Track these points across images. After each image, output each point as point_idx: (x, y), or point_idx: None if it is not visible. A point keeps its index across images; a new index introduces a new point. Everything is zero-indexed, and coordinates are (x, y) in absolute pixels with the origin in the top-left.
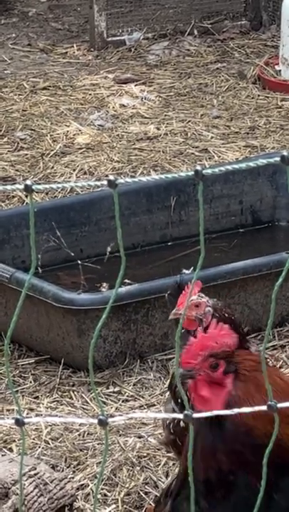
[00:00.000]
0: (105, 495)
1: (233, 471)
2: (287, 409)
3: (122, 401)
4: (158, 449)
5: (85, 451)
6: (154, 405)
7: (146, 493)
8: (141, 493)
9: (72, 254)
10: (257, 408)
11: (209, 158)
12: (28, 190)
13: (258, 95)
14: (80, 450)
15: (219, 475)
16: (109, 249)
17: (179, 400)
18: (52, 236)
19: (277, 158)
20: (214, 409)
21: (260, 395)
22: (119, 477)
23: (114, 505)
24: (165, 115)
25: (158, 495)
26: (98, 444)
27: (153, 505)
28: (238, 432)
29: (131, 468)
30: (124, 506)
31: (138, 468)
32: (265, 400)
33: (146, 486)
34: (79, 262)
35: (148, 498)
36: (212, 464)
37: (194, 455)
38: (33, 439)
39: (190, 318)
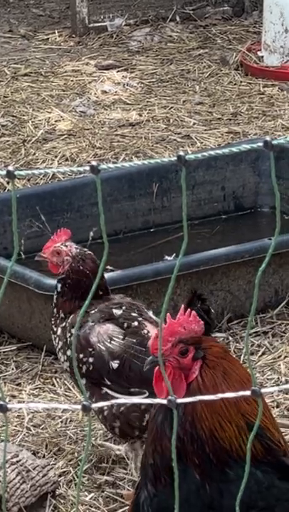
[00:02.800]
0: (89, 479)
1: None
2: (231, 408)
3: None
4: None
5: (67, 437)
6: None
7: (126, 480)
8: (122, 479)
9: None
10: (241, 393)
11: (192, 145)
12: (10, 176)
13: (241, 81)
14: (62, 437)
15: (164, 461)
16: (92, 234)
17: None
18: (35, 222)
19: (261, 144)
20: (178, 396)
21: (227, 384)
22: (100, 464)
23: (95, 491)
24: (147, 101)
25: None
26: (80, 431)
27: (132, 490)
28: (185, 420)
29: (114, 455)
30: (106, 492)
31: (119, 454)
32: (232, 389)
33: (127, 473)
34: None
35: (128, 484)
36: (158, 449)
37: (147, 438)
38: (15, 426)
39: (52, 262)
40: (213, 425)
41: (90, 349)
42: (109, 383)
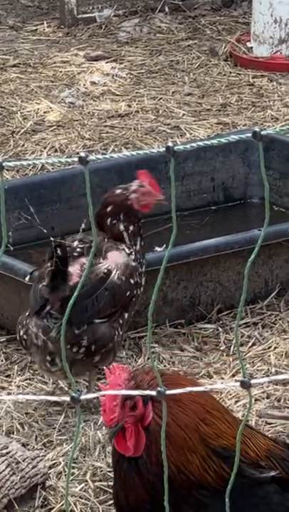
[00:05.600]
0: (78, 469)
1: (148, 501)
2: (193, 437)
3: None
4: None
5: (57, 429)
6: None
7: None
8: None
9: (45, 231)
10: (231, 384)
11: (181, 136)
12: None
13: (230, 72)
14: (52, 428)
15: (136, 504)
16: (83, 226)
17: None
18: (23, 213)
19: (249, 134)
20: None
21: (182, 408)
22: (89, 455)
23: (84, 484)
24: (136, 92)
25: None
26: (70, 421)
27: None
28: (151, 462)
29: (102, 446)
30: (95, 484)
31: (108, 446)
32: (188, 411)
33: None
34: (52, 238)
35: None
36: (130, 495)
37: (115, 482)
38: (5, 417)
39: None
40: (180, 460)
41: None
42: None
